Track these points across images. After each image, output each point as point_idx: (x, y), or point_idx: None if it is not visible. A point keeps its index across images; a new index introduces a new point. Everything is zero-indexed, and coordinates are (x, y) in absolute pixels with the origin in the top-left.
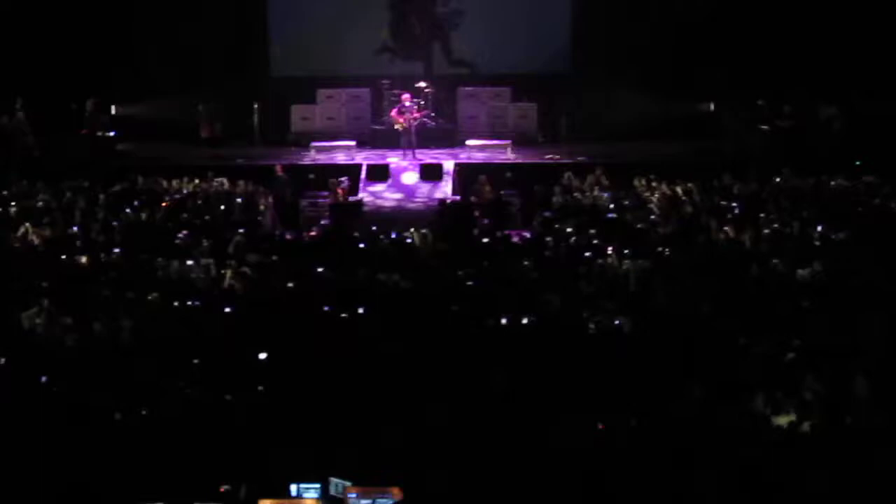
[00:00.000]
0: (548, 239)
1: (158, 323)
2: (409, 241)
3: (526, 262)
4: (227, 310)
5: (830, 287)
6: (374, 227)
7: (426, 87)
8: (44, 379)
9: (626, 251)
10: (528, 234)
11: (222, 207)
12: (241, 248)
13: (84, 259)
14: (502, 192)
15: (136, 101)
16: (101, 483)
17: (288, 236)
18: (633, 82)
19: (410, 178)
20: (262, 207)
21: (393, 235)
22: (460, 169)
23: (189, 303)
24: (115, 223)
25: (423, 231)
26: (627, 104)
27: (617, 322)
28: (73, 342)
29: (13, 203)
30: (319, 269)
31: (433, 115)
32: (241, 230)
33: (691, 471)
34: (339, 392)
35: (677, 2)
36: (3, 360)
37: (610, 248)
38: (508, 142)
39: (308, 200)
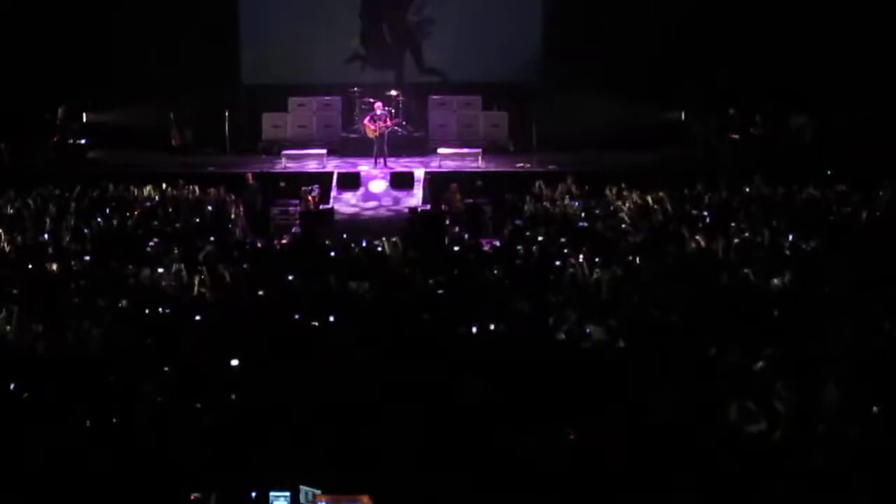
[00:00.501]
0: (518, 247)
1: (129, 330)
2: (379, 249)
3: (496, 271)
4: (198, 317)
5: (801, 296)
6: (344, 235)
7: (397, 96)
8: (13, 386)
9: (596, 260)
10: (498, 243)
11: (193, 215)
12: (211, 255)
13: (55, 266)
14: (473, 201)
15: (107, 108)
16: (70, 490)
17: (258, 244)
18: (603, 91)
19: (381, 186)
20: (232, 215)
21: (364, 244)
22: (431, 177)
23: (160, 310)
24: (85, 230)
25: (394, 239)
26: (598, 113)
27: (587, 330)
28: (44, 349)
29: None
30: (290, 278)
31: (404, 123)
32: (211, 238)
33: (664, 480)
34: (310, 400)
35: (648, 11)
36: None
37: (580, 257)
38: (479, 150)
39: (279, 208)
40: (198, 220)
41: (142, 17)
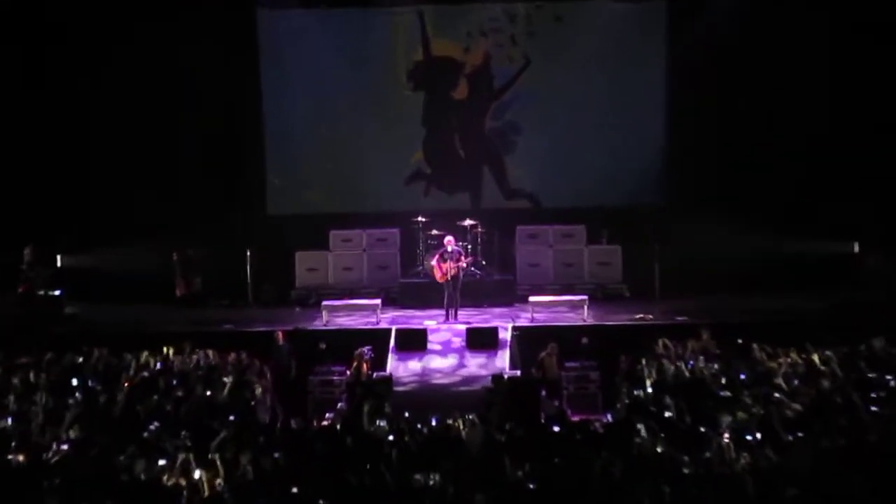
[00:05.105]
0: (639, 426)
1: None
2: (453, 431)
3: (610, 457)
4: None
5: None
6: (406, 413)
7: (474, 227)
8: None
9: (745, 439)
10: (611, 420)
11: (204, 389)
12: (229, 442)
13: (21, 457)
14: (577, 365)
15: (87, 249)
16: None
17: (292, 426)
18: (747, 219)
19: (454, 346)
20: (257, 389)
21: (433, 422)
22: (520, 334)
23: None
24: (62, 410)
25: (472, 417)
26: (739, 246)
27: None
28: None
29: None
30: (334, 470)
31: (484, 263)
32: (229, 418)
33: None
34: None
35: (801, 116)
36: None
37: (725, 437)
38: (584, 297)
39: (319, 378)
40: (211, 394)
41: (132, 132)
